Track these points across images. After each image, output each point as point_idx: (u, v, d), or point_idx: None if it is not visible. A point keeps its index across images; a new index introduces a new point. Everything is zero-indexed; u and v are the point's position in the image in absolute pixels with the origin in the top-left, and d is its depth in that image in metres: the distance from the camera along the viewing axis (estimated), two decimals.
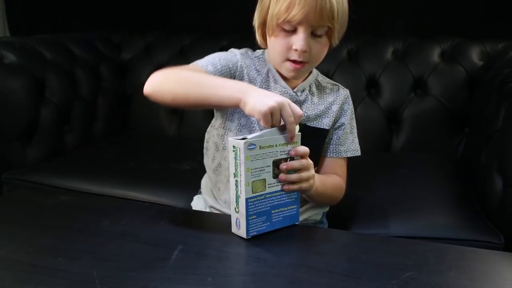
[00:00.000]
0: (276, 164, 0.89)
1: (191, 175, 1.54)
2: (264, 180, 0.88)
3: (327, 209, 1.22)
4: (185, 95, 0.97)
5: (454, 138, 1.90)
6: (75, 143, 1.95)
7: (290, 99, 1.03)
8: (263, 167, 0.87)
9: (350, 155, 1.16)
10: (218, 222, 1.01)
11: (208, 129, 1.18)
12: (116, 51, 2.34)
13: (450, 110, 1.89)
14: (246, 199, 0.87)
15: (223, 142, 1.11)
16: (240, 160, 0.85)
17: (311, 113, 1.10)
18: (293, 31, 1.01)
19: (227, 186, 1.11)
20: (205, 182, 1.23)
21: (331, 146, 1.15)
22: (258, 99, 0.87)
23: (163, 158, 1.79)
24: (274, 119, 0.85)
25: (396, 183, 1.54)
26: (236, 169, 0.86)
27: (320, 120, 1.12)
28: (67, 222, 0.97)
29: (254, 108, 0.86)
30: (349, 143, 1.16)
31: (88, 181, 1.56)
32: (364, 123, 1.87)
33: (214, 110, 1.15)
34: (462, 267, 0.83)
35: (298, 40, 1.00)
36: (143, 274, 0.77)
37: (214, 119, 1.16)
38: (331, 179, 1.12)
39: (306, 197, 1.06)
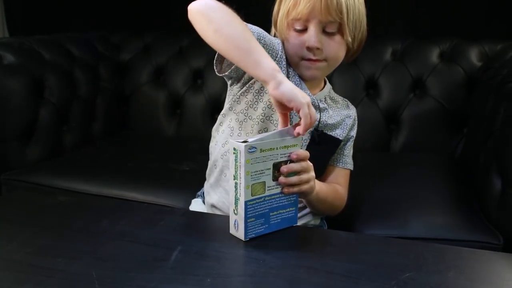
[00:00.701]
0: (276, 167, 0.89)
1: (190, 175, 1.54)
2: (264, 183, 0.88)
3: (325, 227, 1.22)
4: (227, 41, 0.93)
5: (453, 139, 1.90)
6: (74, 143, 1.94)
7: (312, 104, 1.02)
8: (263, 170, 0.87)
9: (352, 168, 1.19)
10: (217, 223, 1.01)
11: (224, 112, 1.13)
12: (115, 51, 2.34)
13: (449, 110, 1.89)
14: (245, 202, 0.86)
15: (240, 129, 1.09)
16: (240, 163, 0.85)
17: (329, 122, 1.12)
18: (304, 30, 1.02)
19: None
20: (208, 173, 1.20)
21: (339, 156, 1.17)
22: (295, 88, 0.87)
23: (162, 158, 1.79)
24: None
25: (395, 183, 1.54)
26: (236, 172, 0.86)
27: (335, 130, 1.14)
28: (66, 223, 0.97)
29: (294, 94, 0.86)
30: (351, 157, 1.19)
31: (87, 181, 1.56)
32: (363, 123, 1.86)
33: (236, 95, 1.10)
34: (461, 268, 0.83)
35: (310, 37, 1.01)
36: (142, 274, 0.77)
37: (232, 102, 1.11)
38: (332, 187, 1.13)
39: (306, 203, 1.07)
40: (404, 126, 1.94)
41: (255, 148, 0.84)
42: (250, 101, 1.08)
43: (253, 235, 0.89)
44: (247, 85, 1.08)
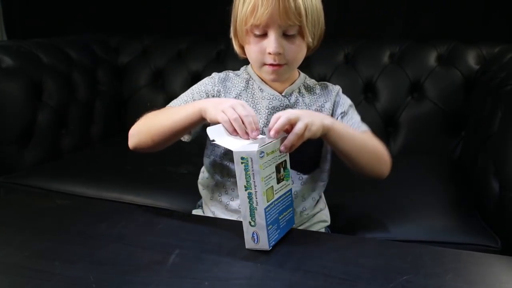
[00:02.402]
0: (277, 169, 0.88)
1: (188, 179, 1.53)
2: (272, 187, 0.87)
3: (328, 222, 1.21)
4: (158, 131, 1.02)
5: (451, 141, 1.90)
6: (72, 146, 1.94)
7: (280, 104, 1.05)
8: (270, 174, 0.86)
9: (367, 128, 1.11)
10: (216, 226, 1.01)
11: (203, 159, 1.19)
12: (113, 54, 2.34)
13: (447, 113, 1.89)
14: (264, 209, 0.84)
15: (217, 169, 1.12)
16: (253, 170, 0.82)
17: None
18: (264, 35, 1.00)
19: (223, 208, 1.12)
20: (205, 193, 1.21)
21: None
22: (215, 103, 0.93)
23: (160, 162, 1.79)
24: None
25: (393, 186, 1.53)
26: (248, 181, 0.83)
27: None
28: (63, 226, 0.97)
29: (214, 110, 0.91)
30: (359, 122, 1.12)
31: (84, 185, 1.56)
32: None
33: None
34: (459, 270, 0.83)
35: (270, 43, 0.99)
36: (139, 278, 0.77)
37: (206, 148, 1.17)
38: (360, 132, 1.08)
39: (338, 153, 1.00)
40: (402, 129, 1.94)
41: (264, 152, 0.83)
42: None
43: (273, 243, 0.87)
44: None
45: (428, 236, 1.24)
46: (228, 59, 2.13)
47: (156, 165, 1.74)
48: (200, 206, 1.24)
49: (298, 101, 1.10)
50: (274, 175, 0.87)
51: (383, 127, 1.95)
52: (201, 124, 1.03)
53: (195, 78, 2.19)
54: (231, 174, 1.09)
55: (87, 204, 1.25)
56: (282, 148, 0.89)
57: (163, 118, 1.03)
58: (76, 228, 0.96)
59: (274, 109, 1.07)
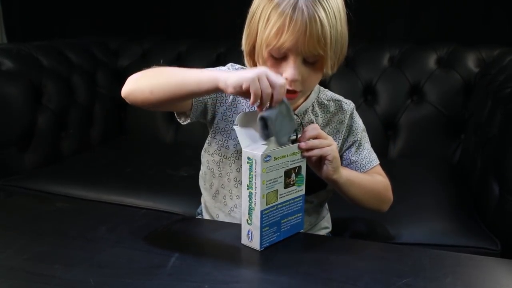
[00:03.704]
0: (287, 174, 0.88)
1: (188, 182, 1.54)
2: (277, 191, 0.87)
3: (330, 228, 1.20)
4: (160, 84, 0.93)
5: (451, 144, 1.90)
6: (72, 149, 1.94)
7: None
8: (276, 178, 0.86)
9: (376, 164, 1.10)
10: (215, 229, 1.01)
11: (202, 153, 1.13)
12: (113, 57, 2.34)
13: (447, 116, 1.89)
14: (261, 211, 0.85)
15: (219, 169, 1.08)
16: (256, 172, 0.83)
17: None
18: (283, 58, 0.93)
19: (226, 213, 1.10)
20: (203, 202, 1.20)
21: (358, 163, 1.08)
22: (239, 74, 0.83)
23: (159, 164, 1.79)
24: (259, 87, 0.81)
25: (393, 189, 1.54)
26: (250, 181, 0.85)
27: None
28: (63, 229, 0.97)
29: (240, 77, 0.81)
30: (371, 152, 1.11)
31: (84, 187, 1.56)
32: None
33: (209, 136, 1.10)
34: (459, 273, 0.83)
35: (289, 69, 0.92)
36: (139, 281, 0.77)
37: (207, 144, 1.11)
38: (369, 175, 1.07)
39: (343, 193, 0.99)
40: (402, 132, 1.94)
41: (270, 156, 0.84)
42: (220, 140, 1.06)
43: (267, 244, 0.88)
44: (213, 127, 1.07)
45: (428, 239, 1.24)
46: (228, 62, 2.12)
47: (156, 168, 1.74)
48: (200, 214, 1.23)
49: (311, 121, 1.05)
50: (282, 179, 0.87)
51: (382, 130, 1.95)
52: (208, 95, 0.98)
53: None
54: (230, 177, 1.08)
55: (87, 207, 1.25)
56: (302, 144, 0.88)
57: (171, 73, 0.94)
58: (76, 231, 0.96)
59: None
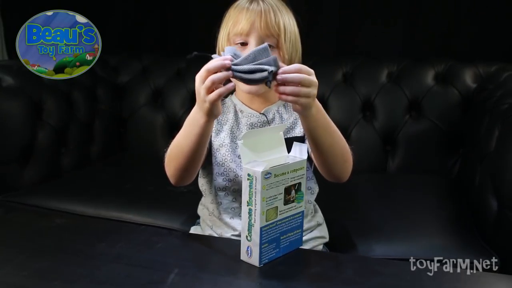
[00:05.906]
0: (287, 190, 0.89)
1: (188, 197, 1.54)
2: (276, 207, 0.88)
3: (327, 239, 1.21)
4: (181, 163, 1.08)
5: (449, 159, 1.91)
6: (72, 165, 1.95)
7: (257, 120, 1.13)
8: (276, 195, 0.87)
9: None
10: (215, 245, 1.01)
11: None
12: (113, 73, 2.34)
13: (445, 131, 1.90)
14: (261, 228, 0.86)
15: (211, 188, 1.15)
16: (256, 189, 0.84)
17: (287, 126, 1.12)
18: (245, 44, 1.05)
19: (225, 230, 1.12)
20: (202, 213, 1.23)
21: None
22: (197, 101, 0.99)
23: (159, 180, 1.77)
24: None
25: (392, 204, 1.54)
26: (250, 198, 0.85)
27: (293, 130, 1.13)
28: (63, 245, 0.97)
29: (196, 91, 0.98)
30: None
31: (84, 204, 1.56)
32: (359, 144, 1.88)
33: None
34: None
35: (249, 47, 1.04)
36: None
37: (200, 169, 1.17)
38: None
39: (306, 126, 0.97)
40: (400, 147, 1.95)
41: (270, 173, 0.84)
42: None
43: (266, 261, 0.89)
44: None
45: (427, 254, 1.24)
46: None
47: (156, 184, 1.74)
48: (199, 224, 1.24)
49: (275, 117, 1.14)
50: (282, 196, 0.88)
51: (381, 145, 1.96)
52: (208, 130, 1.03)
53: (195, 97, 2.19)
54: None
55: (87, 223, 1.25)
56: (278, 77, 0.88)
57: (178, 144, 1.08)
58: (76, 247, 0.96)
59: (253, 125, 1.12)
